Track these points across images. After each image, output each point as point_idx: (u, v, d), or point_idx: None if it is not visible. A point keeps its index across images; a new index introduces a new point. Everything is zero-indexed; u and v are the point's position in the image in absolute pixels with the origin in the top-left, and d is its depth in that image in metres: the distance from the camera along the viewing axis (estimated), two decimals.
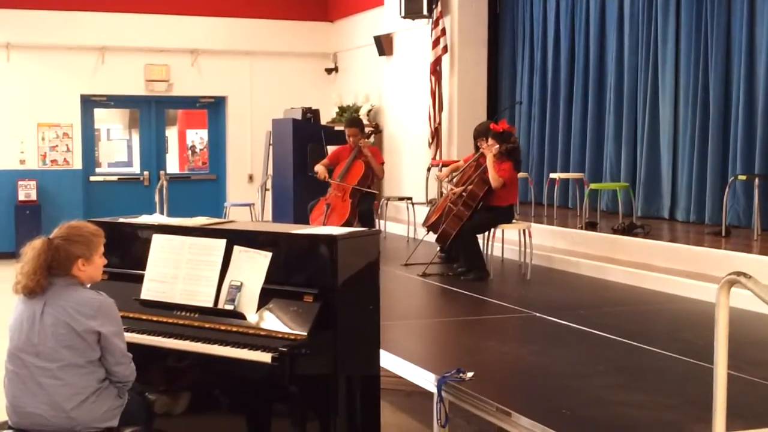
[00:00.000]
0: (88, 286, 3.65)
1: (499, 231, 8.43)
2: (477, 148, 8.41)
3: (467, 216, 7.93)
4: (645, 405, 4.24)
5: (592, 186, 9.67)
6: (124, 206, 12.65)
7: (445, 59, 11.78)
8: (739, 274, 3.07)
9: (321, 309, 3.94)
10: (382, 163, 9.66)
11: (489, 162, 7.87)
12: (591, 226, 9.10)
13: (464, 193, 7.98)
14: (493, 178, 7.82)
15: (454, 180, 8.63)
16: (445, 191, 9.10)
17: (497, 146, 7.90)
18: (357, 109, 13.70)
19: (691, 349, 5.25)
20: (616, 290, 7.55)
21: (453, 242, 8.08)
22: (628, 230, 8.55)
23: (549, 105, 11.53)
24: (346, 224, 8.91)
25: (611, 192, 10.01)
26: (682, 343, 5.48)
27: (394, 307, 6.60)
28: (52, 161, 13.91)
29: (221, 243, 4.19)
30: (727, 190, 8.34)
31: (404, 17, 12.13)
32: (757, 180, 8.07)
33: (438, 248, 8.49)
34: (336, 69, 15.09)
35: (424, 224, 8.75)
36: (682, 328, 6.14)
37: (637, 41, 10.09)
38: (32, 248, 3.54)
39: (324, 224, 8.80)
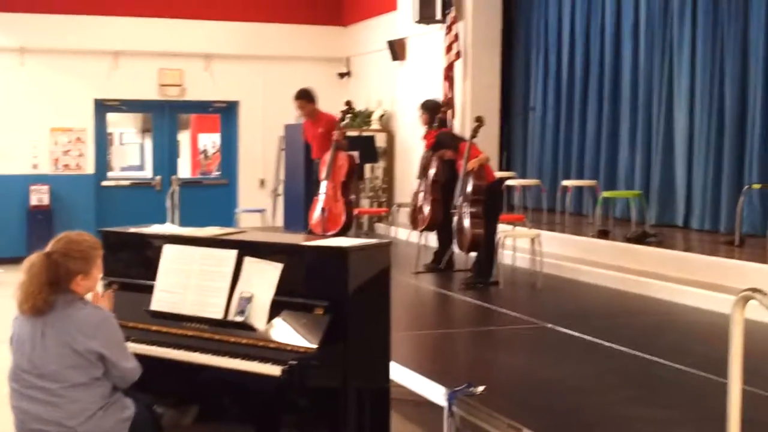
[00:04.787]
0: (87, 296, 3.63)
1: (509, 239, 8.39)
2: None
3: (483, 212, 7.91)
4: (659, 421, 4.20)
5: (605, 194, 9.61)
6: (136, 211, 12.67)
7: (458, 65, 11.73)
8: (754, 290, 3.03)
9: (331, 321, 3.91)
10: (337, 125, 9.45)
11: (476, 162, 7.89)
12: (603, 234, 9.03)
13: (468, 197, 7.97)
14: (482, 159, 7.93)
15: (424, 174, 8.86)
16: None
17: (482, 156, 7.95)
18: (369, 114, 13.67)
19: (705, 363, 5.20)
20: (629, 300, 7.49)
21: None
22: (641, 239, 8.49)
23: (563, 111, 11.47)
24: (345, 227, 8.89)
25: (624, 200, 9.95)
26: (695, 357, 5.43)
27: (405, 318, 6.57)
28: (64, 166, 13.92)
29: (232, 254, 4.16)
30: (741, 198, 8.26)
31: (418, 22, 12.10)
32: None
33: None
34: (349, 74, 15.06)
35: (418, 228, 8.85)
36: (695, 341, 6.08)
37: (652, 47, 10.02)
38: (31, 265, 3.49)
39: (323, 231, 8.77)
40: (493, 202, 8.07)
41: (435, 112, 9.22)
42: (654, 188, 9.87)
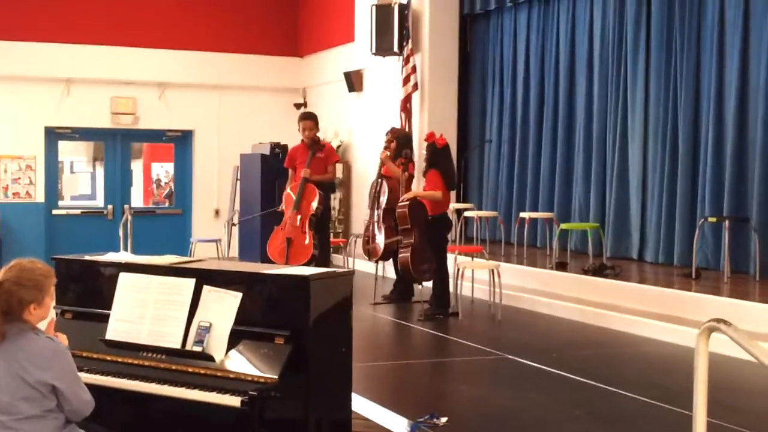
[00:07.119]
0: (39, 325, 3.50)
1: (468, 270, 8.37)
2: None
3: (414, 236, 7.95)
4: None
5: (563, 226, 9.64)
6: (88, 241, 12.43)
7: (416, 96, 11.76)
8: (718, 321, 3.02)
9: (292, 351, 3.82)
10: (336, 161, 9.67)
11: (419, 193, 8.10)
12: (561, 266, 9.05)
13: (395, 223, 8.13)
14: (432, 197, 7.97)
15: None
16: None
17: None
18: None
19: (665, 395, 5.20)
20: (587, 332, 7.49)
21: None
22: (599, 271, 8.51)
23: (518, 144, 11.54)
24: (311, 260, 8.77)
25: (581, 232, 9.99)
26: (656, 389, 5.43)
27: (365, 349, 6.48)
28: (14, 194, 13.64)
29: (190, 282, 4.05)
30: (697, 232, 8.33)
31: (375, 54, 12.11)
32: (726, 222, 8.08)
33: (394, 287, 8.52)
34: (305, 104, 15.01)
35: (372, 258, 8.83)
36: (654, 372, 6.08)
37: (606, 82, 10.14)
38: None
39: (287, 261, 8.63)
40: (440, 234, 8.12)
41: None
42: (608, 221, 9.93)
